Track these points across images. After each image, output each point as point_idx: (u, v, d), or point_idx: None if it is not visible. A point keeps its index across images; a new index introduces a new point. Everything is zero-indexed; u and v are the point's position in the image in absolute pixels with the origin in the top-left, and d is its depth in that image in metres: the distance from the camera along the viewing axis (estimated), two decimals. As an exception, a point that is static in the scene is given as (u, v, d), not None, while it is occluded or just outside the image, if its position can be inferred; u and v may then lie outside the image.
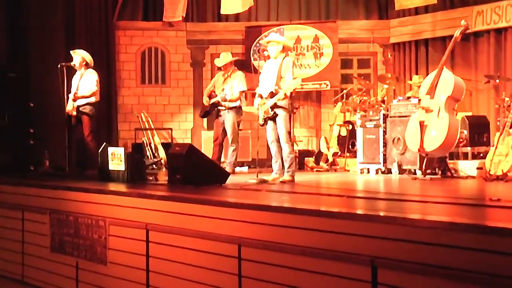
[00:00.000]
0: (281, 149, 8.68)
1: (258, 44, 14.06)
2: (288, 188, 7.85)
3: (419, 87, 10.51)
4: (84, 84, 10.22)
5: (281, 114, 8.55)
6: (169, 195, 6.88)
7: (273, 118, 8.59)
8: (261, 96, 8.73)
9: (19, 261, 8.55)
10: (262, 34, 14.06)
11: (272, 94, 8.55)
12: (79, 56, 10.34)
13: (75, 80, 10.34)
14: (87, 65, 10.35)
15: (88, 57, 10.37)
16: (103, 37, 14.03)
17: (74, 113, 10.13)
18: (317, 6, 14.73)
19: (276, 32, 13.57)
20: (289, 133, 8.74)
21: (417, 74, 13.12)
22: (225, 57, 10.91)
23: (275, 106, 8.53)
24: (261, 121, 8.71)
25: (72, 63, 10.28)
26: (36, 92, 12.10)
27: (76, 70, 10.39)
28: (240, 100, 10.68)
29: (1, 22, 12.62)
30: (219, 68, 11.11)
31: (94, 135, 10.20)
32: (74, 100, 10.11)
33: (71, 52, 10.46)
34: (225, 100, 10.56)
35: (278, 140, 8.68)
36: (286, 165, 8.63)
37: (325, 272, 4.83)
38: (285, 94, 8.47)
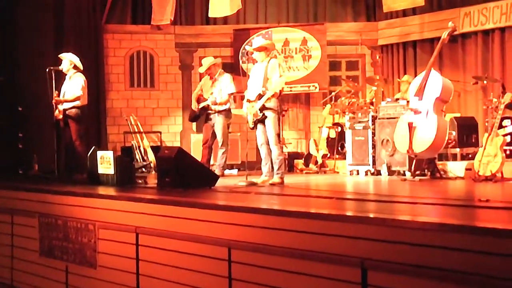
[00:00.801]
0: (271, 152, 8.69)
1: (246, 47, 14.05)
2: (278, 190, 7.86)
3: (409, 83, 10.58)
4: (70, 88, 10.20)
5: (270, 116, 8.57)
6: (159, 198, 6.87)
7: (263, 120, 8.61)
8: (249, 101, 8.75)
9: (8, 265, 8.52)
10: (251, 37, 14.06)
11: (260, 96, 8.58)
12: (67, 60, 10.32)
13: (64, 83, 10.32)
14: (75, 68, 10.33)
15: (76, 61, 10.35)
16: (92, 41, 13.99)
17: (61, 116, 10.11)
18: (305, 8, 14.76)
19: (264, 34, 13.60)
20: (278, 135, 8.76)
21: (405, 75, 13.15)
22: (206, 62, 10.90)
23: (263, 108, 8.56)
24: (251, 125, 8.74)
25: (60, 67, 10.26)
26: (25, 96, 12.06)
27: (66, 74, 10.37)
28: (229, 103, 10.68)
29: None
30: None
31: (82, 139, 10.17)
32: (57, 103, 10.08)
33: (60, 56, 10.44)
34: (215, 104, 10.54)
35: (267, 143, 8.70)
36: (276, 167, 8.64)
37: (315, 274, 4.83)
38: (274, 93, 8.49)
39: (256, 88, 8.72)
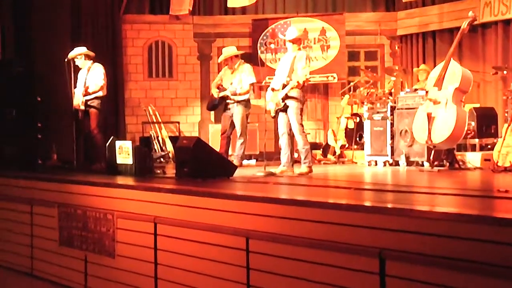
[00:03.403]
0: (292, 142, 8.76)
1: (265, 37, 14.06)
2: (296, 181, 7.84)
3: (426, 71, 10.54)
4: (92, 78, 10.23)
5: (292, 106, 8.61)
6: (177, 188, 6.89)
7: (285, 109, 8.63)
8: (273, 89, 8.78)
9: (28, 254, 8.58)
10: (269, 27, 14.05)
11: (283, 86, 8.61)
12: (78, 57, 10.34)
13: (82, 74, 10.36)
14: (90, 58, 10.38)
15: (85, 51, 10.40)
16: (110, 31, 14.04)
17: (82, 107, 10.15)
18: (323, -2, 14.73)
19: (285, 24, 13.61)
20: (302, 124, 8.76)
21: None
22: (226, 52, 10.90)
23: (286, 97, 8.58)
24: (272, 113, 8.78)
25: (77, 64, 10.32)
26: (43, 86, 12.11)
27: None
28: (249, 93, 10.69)
29: (8, 17, 12.64)
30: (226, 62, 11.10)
31: (100, 129, 10.22)
32: (85, 95, 10.14)
33: (69, 57, 10.36)
34: (235, 94, 10.53)
35: (289, 133, 8.74)
36: (302, 156, 8.70)
37: (333, 264, 4.83)
38: (297, 83, 8.50)
39: (282, 77, 8.75)
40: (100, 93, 10.24)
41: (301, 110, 8.74)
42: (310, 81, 9.14)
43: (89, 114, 10.21)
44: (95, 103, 10.21)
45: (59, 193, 8.12)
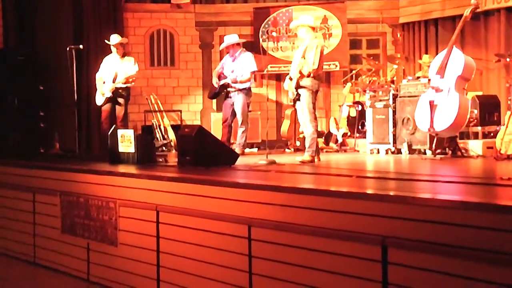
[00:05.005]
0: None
1: (266, 26, 14.02)
2: (298, 169, 7.84)
3: (428, 66, 10.47)
4: (128, 68, 10.50)
5: (304, 95, 8.73)
6: (179, 176, 6.90)
7: (299, 99, 8.74)
8: (290, 78, 8.88)
9: (31, 242, 8.60)
10: (271, 15, 14.01)
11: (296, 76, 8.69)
12: (118, 47, 10.65)
13: (113, 62, 10.52)
14: (124, 47, 10.67)
15: (124, 39, 10.70)
16: (111, 19, 13.98)
17: (109, 94, 10.38)
18: (325, -14, 14.68)
19: (284, 13, 13.55)
20: (314, 113, 8.80)
21: (426, 53, 13.05)
22: (227, 40, 10.92)
23: (298, 86, 8.64)
24: (291, 102, 9.04)
25: (114, 53, 10.75)
26: (46, 74, 12.11)
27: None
28: (250, 81, 10.68)
29: (10, 5, 12.62)
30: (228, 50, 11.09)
31: (125, 122, 10.73)
32: (125, 83, 10.50)
33: (112, 44, 10.72)
34: (235, 82, 10.55)
35: None
36: (307, 144, 8.74)
37: (336, 252, 4.84)
38: (308, 72, 8.57)
39: (295, 67, 8.85)
40: (133, 83, 10.69)
41: (314, 98, 8.78)
42: (323, 69, 9.17)
43: (115, 102, 10.60)
44: (125, 92, 10.63)
45: (61, 182, 8.13)
